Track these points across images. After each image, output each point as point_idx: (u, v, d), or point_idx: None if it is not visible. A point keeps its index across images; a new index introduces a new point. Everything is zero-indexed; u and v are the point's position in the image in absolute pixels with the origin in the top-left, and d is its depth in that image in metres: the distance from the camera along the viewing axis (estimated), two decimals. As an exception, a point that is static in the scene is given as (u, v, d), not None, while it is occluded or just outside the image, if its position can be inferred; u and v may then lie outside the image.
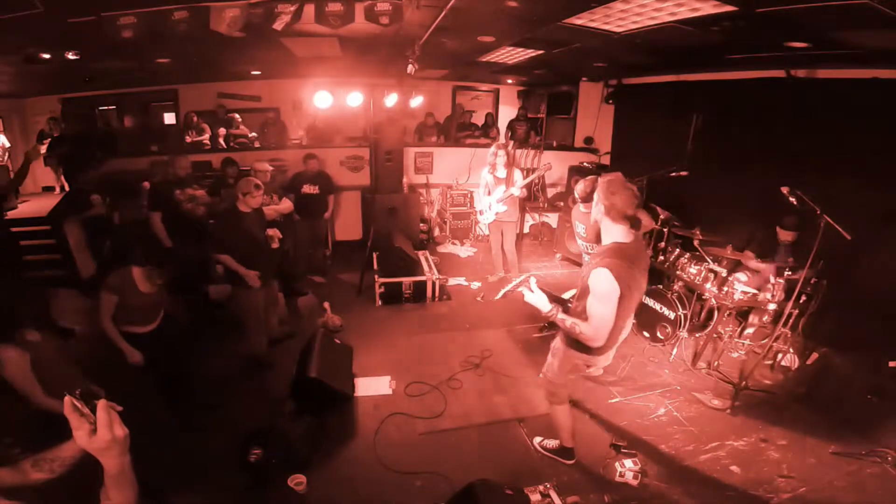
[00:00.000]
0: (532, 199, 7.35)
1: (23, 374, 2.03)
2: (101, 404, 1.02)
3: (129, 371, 2.89)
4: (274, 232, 3.72)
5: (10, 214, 6.17)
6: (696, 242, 4.13)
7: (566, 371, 2.58)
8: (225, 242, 3.42)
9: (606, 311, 2.11)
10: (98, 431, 1.01)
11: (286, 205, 4.57)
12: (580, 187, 3.40)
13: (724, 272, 3.82)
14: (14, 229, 5.16)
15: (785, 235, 3.93)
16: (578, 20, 3.29)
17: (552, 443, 2.95)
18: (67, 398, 1.00)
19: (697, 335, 4.13)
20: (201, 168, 5.97)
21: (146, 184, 4.66)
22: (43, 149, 6.79)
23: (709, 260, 4.00)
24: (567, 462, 2.87)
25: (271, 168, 4.94)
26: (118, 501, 1.07)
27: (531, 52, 4.85)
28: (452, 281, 5.66)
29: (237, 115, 7.29)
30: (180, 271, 4.34)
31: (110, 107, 7.60)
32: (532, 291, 2.25)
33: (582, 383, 3.70)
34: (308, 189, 5.25)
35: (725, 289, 3.74)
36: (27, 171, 4.52)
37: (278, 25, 2.98)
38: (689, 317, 4.04)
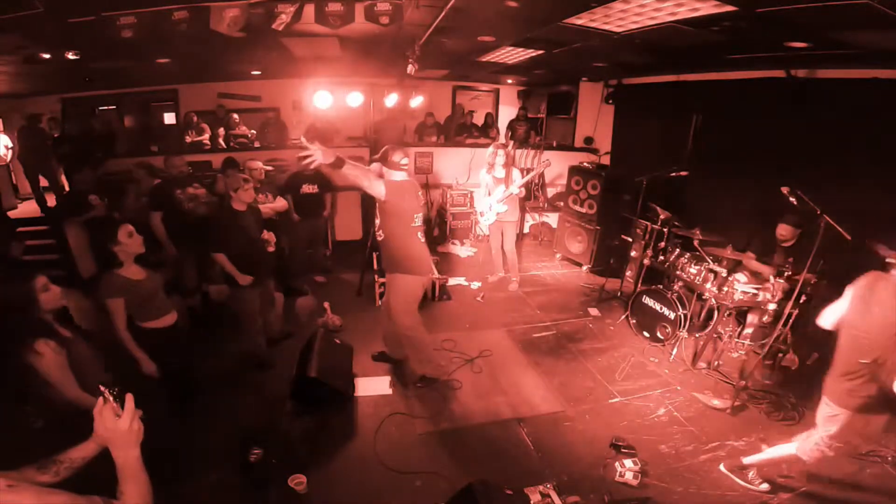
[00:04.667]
0: (531, 197, 7.34)
1: (60, 368, 2.09)
2: (130, 396, 1.19)
3: (129, 370, 2.88)
4: (269, 236, 3.71)
5: (10, 214, 6.19)
6: (696, 242, 4.12)
7: None
8: (221, 242, 3.42)
9: None
10: (122, 419, 1.16)
11: (281, 203, 4.56)
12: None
13: (724, 272, 3.82)
14: (20, 229, 5.17)
15: (785, 236, 3.92)
16: (578, 20, 3.29)
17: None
18: (103, 389, 1.19)
19: (697, 335, 4.12)
20: (201, 168, 5.97)
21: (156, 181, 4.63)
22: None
23: (709, 260, 4.00)
24: None
25: (268, 167, 4.93)
26: (132, 497, 1.13)
27: (531, 52, 4.84)
28: (452, 281, 5.66)
29: (235, 115, 7.28)
30: (179, 271, 4.35)
31: (110, 107, 7.59)
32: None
33: (581, 383, 3.71)
34: (307, 189, 5.23)
35: (725, 289, 3.75)
36: None
37: (278, 25, 2.98)
38: (689, 317, 4.04)
